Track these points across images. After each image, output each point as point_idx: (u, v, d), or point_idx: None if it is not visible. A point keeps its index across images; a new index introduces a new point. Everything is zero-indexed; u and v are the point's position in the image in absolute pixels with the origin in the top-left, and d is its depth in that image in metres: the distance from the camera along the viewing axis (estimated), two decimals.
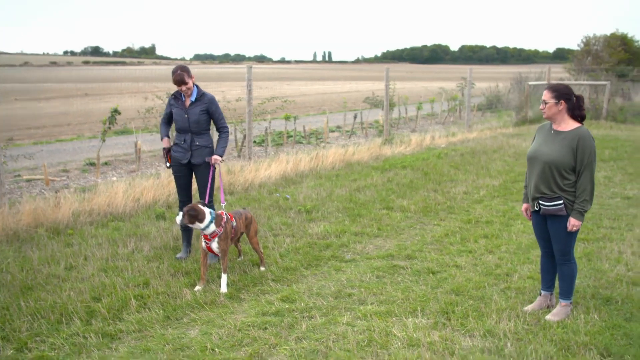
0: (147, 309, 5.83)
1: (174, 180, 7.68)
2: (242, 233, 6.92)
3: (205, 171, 7.33)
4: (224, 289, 6.33)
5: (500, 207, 9.87)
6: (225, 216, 6.55)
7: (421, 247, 7.82)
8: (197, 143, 7.27)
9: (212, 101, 7.32)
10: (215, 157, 7.25)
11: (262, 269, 6.95)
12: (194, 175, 7.50)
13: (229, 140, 10.29)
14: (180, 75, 7.07)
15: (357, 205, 9.89)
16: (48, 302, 5.88)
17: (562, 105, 5.45)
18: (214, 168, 7.31)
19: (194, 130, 7.25)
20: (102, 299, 6.01)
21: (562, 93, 5.48)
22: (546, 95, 5.53)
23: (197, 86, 7.29)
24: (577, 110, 5.51)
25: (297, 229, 8.56)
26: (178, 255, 7.36)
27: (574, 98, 5.52)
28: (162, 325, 5.53)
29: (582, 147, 5.31)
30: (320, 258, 7.39)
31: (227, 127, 7.48)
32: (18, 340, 5.20)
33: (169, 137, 7.43)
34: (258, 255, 7.08)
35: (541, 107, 5.59)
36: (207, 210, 6.43)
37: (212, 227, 6.40)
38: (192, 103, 7.21)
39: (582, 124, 5.54)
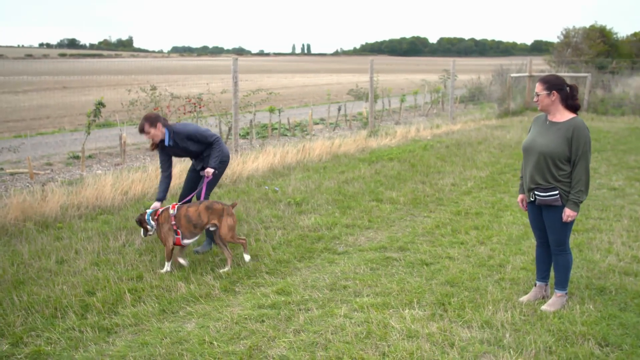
0: (142, 303, 5.79)
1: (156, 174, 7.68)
2: (212, 224, 6.80)
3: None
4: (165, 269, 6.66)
5: (489, 199, 9.92)
6: (165, 209, 6.82)
7: (413, 238, 7.84)
8: (205, 154, 7.39)
9: (189, 136, 7.17)
10: (207, 170, 7.22)
11: (227, 269, 6.71)
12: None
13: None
14: (142, 124, 7.02)
15: (347, 197, 9.88)
16: (41, 297, 5.82)
17: (555, 95, 5.46)
18: (208, 178, 7.32)
19: (192, 156, 7.48)
20: (96, 293, 5.97)
21: (553, 84, 5.49)
22: (538, 87, 5.55)
23: (167, 129, 7.10)
24: (570, 100, 5.51)
25: (287, 222, 8.54)
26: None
27: (567, 88, 5.52)
28: (158, 319, 5.49)
29: (577, 138, 5.33)
30: (312, 250, 7.39)
31: (216, 138, 7.33)
32: (13, 335, 5.14)
33: (162, 200, 7.20)
34: (224, 252, 6.90)
35: (534, 99, 5.61)
36: (147, 212, 6.84)
37: (153, 223, 6.76)
38: (174, 144, 7.15)
39: (577, 114, 5.56)
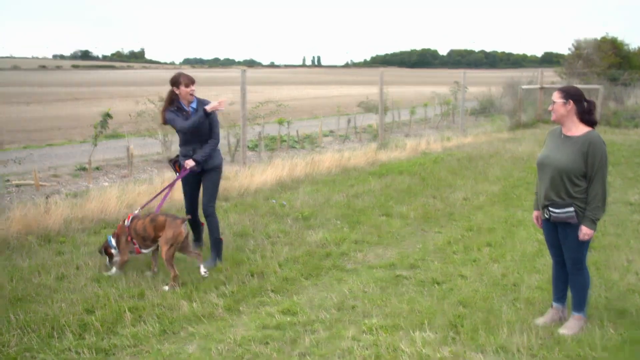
0: (142, 322, 5.58)
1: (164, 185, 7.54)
2: (155, 237, 6.72)
3: (212, 177, 7.33)
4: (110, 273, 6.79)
5: (502, 214, 9.67)
6: (123, 221, 6.92)
7: (423, 256, 7.60)
8: (200, 146, 7.24)
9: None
10: (187, 161, 7.16)
11: (166, 288, 6.41)
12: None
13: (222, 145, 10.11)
14: (189, 76, 7.19)
15: (356, 212, 9.66)
16: (39, 315, 5.61)
17: (571, 105, 5.25)
18: (185, 170, 7.22)
19: (199, 140, 7.20)
20: (96, 311, 5.75)
21: (571, 94, 5.30)
22: (555, 95, 5.36)
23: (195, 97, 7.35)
24: (587, 115, 5.32)
25: (295, 237, 8.32)
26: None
27: (585, 102, 5.32)
28: (159, 340, 5.28)
29: (593, 152, 5.12)
30: (320, 267, 7.16)
31: (218, 136, 7.38)
32: (7, 355, 4.94)
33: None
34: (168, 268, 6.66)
35: (549, 107, 5.41)
36: (108, 236, 6.94)
37: (113, 241, 6.83)
38: (194, 110, 7.16)
39: (594, 128, 5.35)
